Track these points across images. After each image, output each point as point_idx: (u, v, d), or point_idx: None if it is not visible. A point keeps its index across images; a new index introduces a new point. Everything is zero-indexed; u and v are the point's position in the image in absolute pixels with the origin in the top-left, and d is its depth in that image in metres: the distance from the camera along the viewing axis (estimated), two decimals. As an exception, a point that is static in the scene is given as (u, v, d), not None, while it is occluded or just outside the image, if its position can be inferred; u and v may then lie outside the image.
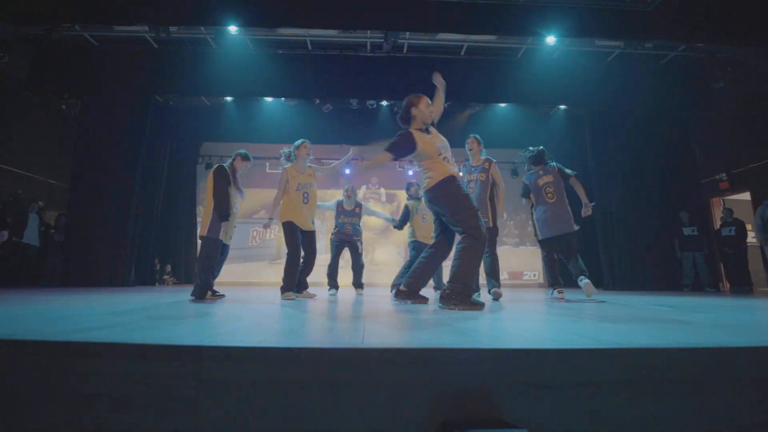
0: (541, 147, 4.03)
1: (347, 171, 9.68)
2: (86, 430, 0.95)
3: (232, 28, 6.23)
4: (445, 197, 2.57)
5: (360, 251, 4.90)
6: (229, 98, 8.08)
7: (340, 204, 4.92)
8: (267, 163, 9.54)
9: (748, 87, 6.86)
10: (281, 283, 3.60)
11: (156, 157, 7.30)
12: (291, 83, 6.86)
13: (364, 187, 9.66)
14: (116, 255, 6.28)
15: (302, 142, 3.85)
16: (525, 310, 2.42)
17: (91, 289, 4.92)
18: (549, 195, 3.82)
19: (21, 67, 6.59)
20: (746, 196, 7.38)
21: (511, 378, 0.98)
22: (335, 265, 4.79)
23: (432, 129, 2.76)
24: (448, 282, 2.49)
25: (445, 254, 2.76)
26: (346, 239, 4.84)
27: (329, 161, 9.54)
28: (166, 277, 7.88)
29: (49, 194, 7.72)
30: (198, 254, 3.50)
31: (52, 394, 0.97)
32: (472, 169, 3.83)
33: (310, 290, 3.98)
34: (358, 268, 4.89)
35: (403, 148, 2.62)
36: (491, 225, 3.71)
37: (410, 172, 9.51)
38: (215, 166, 3.48)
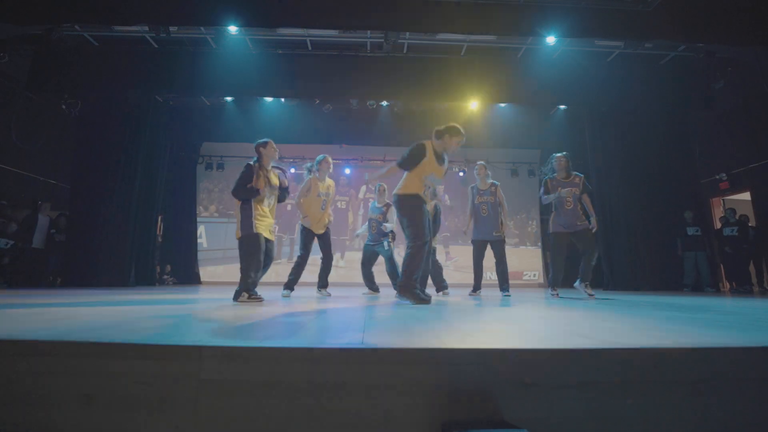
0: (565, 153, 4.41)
1: (347, 171, 9.68)
2: (86, 430, 0.95)
3: (232, 28, 6.23)
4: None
5: (388, 252, 4.77)
6: (229, 98, 8.08)
7: (373, 204, 4.99)
8: (267, 163, 9.54)
9: (748, 87, 6.86)
10: (284, 281, 4.05)
11: (156, 157, 7.30)
12: (291, 83, 6.85)
13: (363, 187, 9.66)
14: (116, 255, 6.28)
15: (324, 158, 4.25)
16: (525, 310, 2.42)
17: (91, 289, 4.92)
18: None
19: (21, 67, 6.59)
20: (746, 196, 7.38)
21: (511, 378, 0.97)
22: (367, 271, 4.88)
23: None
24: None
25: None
26: (374, 243, 4.81)
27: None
28: (166, 277, 7.88)
29: (49, 194, 7.71)
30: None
31: (52, 394, 0.97)
32: (482, 192, 4.57)
33: (328, 289, 4.30)
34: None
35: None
36: (503, 238, 4.50)
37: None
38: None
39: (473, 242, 4.66)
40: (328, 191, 4.23)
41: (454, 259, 9.28)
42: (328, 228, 4.22)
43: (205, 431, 0.93)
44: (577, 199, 4.14)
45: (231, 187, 3.17)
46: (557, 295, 4.11)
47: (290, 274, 4.05)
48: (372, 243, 4.85)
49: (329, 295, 4.13)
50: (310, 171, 4.28)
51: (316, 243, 4.19)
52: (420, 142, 3.04)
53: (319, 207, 4.14)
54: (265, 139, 3.29)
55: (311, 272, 4.50)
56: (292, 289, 4.04)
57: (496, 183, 4.61)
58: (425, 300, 2.85)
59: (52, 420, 0.95)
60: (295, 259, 4.17)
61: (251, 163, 3.19)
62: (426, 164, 3.00)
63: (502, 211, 4.50)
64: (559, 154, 4.31)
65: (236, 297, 3.00)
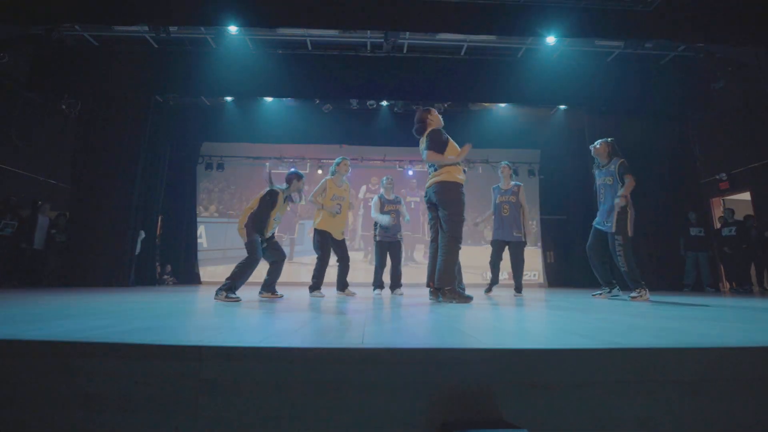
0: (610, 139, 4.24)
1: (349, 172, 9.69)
2: (86, 430, 0.95)
3: (232, 28, 6.23)
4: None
5: (400, 254, 4.64)
6: (229, 98, 8.08)
7: (381, 196, 4.75)
8: (267, 163, 9.55)
9: (748, 87, 6.86)
10: (291, 283, 3.96)
11: (156, 157, 7.30)
12: (291, 83, 6.85)
13: (364, 187, 9.66)
14: (116, 255, 6.28)
15: (342, 160, 4.22)
16: (525, 310, 2.42)
17: (91, 289, 4.92)
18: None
19: (21, 67, 6.59)
20: (746, 196, 7.39)
21: (511, 378, 0.97)
22: (380, 268, 4.65)
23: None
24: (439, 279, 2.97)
25: None
26: (389, 239, 4.62)
27: (328, 161, 9.58)
28: (166, 277, 7.88)
29: (49, 194, 7.72)
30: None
31: (52, 394, 0.97)
32: (504, 191, 4.57)
33: (351, 289, 4.25)
34: (396, 273, 4.65)
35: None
36: (524, 240, 4.50)
37: (410, 172, 9.52)
38: (269, 191, 3.30)
39: (492, 243, 4.64)
40: (344, 195, 4.15)
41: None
42: (343, 236, 4.20)
43: (205, 431, 0.93)
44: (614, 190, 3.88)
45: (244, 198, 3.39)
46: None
47: (313, 277, 3.99)
48: (388, 239, 4.61)
49: (354, 294, 4.05)
50: (331, 173, 4.22)
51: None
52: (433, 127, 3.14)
53: (334, 211, 4.08)
54: (301, 173, 3.52)
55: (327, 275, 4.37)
56: (319, 289, 3.97)
57: (519, 183, 4.61)
58: (469, 298, 2.98)
59: (52, 420, 0.95)
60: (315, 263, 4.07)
61: (277, 190, 3.32)
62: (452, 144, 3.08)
63: (522, 212, 4.51)
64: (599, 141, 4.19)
65: (216, 294, 3.03)
